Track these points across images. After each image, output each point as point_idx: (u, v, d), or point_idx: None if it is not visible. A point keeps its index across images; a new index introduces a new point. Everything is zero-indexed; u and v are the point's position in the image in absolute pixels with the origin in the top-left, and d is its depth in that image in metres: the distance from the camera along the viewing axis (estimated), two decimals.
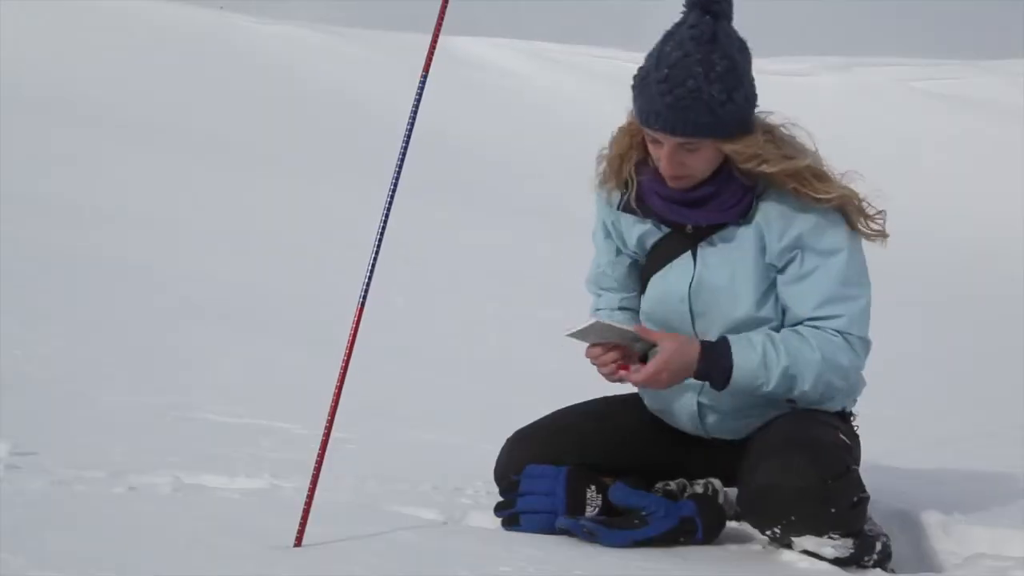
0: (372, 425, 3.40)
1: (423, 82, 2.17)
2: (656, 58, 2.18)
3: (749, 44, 2.23)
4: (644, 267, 2.40)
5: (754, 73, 2.23)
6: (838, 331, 2.23)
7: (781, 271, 2.25)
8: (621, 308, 2.45)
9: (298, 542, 2.03)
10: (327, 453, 2.11)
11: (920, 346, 5.98)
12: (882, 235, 2.28)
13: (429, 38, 2.19)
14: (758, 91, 2.23)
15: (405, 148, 2.17)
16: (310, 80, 12.35)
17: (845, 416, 2.40)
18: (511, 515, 2.34)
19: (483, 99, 12.28)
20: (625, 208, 2.34)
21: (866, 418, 2.47)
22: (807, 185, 2.20)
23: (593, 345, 2.26)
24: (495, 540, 2.24)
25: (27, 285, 4.80)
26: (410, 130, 2.17)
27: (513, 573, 1.96)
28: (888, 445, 2.77)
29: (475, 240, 7.72)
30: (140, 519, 2.15)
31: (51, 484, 2.34)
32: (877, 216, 2.29)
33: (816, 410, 2.33)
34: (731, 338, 2.25)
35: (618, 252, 2.42)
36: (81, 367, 3.81)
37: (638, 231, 2.36)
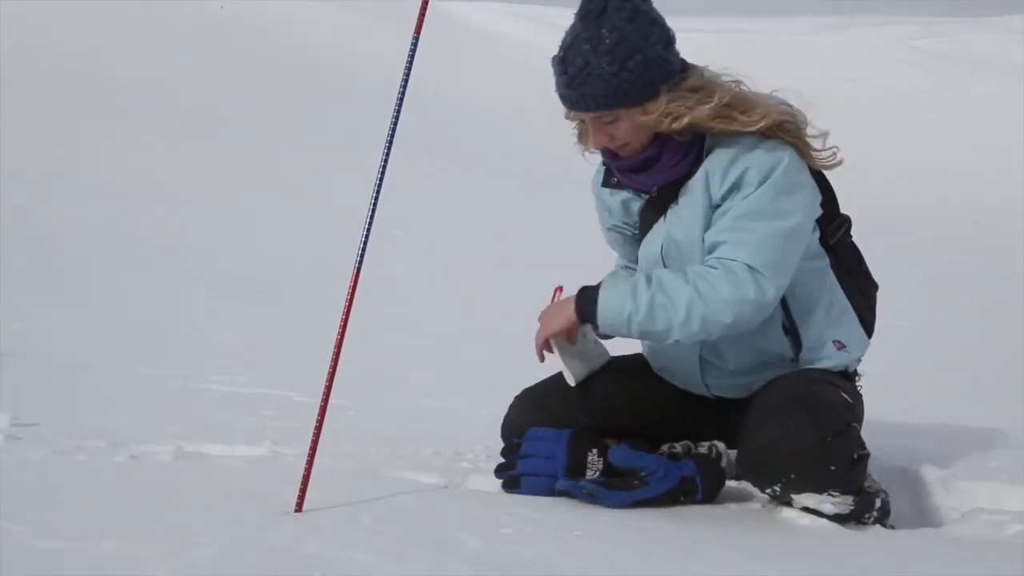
0: (371, 392, 3.41)
1: (415, 44, 2.15)
2: (560, 42, 2.24)
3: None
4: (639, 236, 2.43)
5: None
6: (719, 259, 2.21)
7: (718, 206, 2.26)
8: (626, 267, 2.54)
9: (299, 508, 2.04)
10: (327, 420, 2.12)
11: (919, 304, 5.98)
12: (832, 159, 2.27)
13: (427, 7, 2.18)
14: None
15: (398, 111, 2.16)
16: (308, 47, 12.28)
17: (848, 375, 2.41)
18: (511, 478, 2.35)
19: (482, 65, 12.20)
20: (605, 184, 2.41)
21: (866, 376, 2.47)
22: (731, 120, 2.21)
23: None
24: (495, 503, 2.25)
25: (26, 259, 4.80)
26: (403, 93, 2.16)
27: (513, 535, 1.97)
28: (887, 403, 2.78)
29: (474, 206, 7.70)
30: (141, 488, 2.16)
31: (52, 454, 2.35)
32: (818, 138, 2.27)
33: (818, 369, 2.34)
34: (608, 276, 2.30)
35: (609, 228, 2.49)
36: (81, 339, 3.82)
37: (620, 198, 2.41)
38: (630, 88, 2.18)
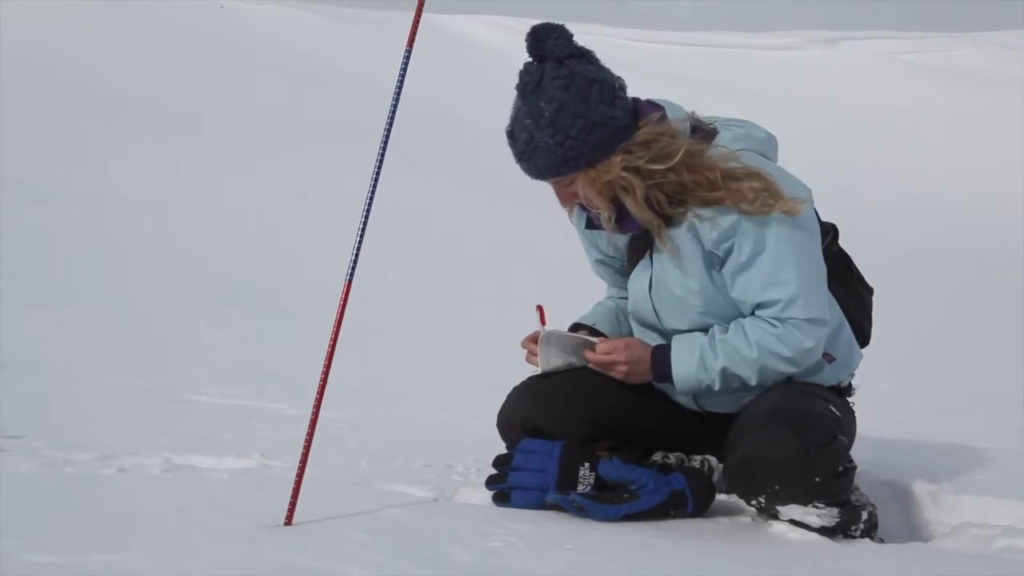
0: (363, 403, 3.40)
1: (407, 56, 2.16)
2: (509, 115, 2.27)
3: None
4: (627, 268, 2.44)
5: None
6: (777, 319, 2.25)
7: (723, 262, 2.27)
8: (615, 297, 2.55)
9: (288, 520, 2.03)
10: (317, 432, 2.12)
11: (908, 317, 6.00)
12: (796, 203, 2.23)
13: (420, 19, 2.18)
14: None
15: (390, 123, 2.17)
16: (299, 59, 12.30)
17: (841, 390, 2.42)
18: (502, 491, 2.35)
19: (475, 77, 12.24)
20: (588, 227, 2.43)
21: (859, 390, 2.48)
22: (689, 192, 2.21)
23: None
24: (486, 516, 2.25)
25: (16, 268, 4.79)
26: (395, 104, 2.16)
27: (504, 548, 1.97)
28: (878, 417, 2.79)
29: (466, 216, 7.71)
30: (130, 500, 2.15)
31: (40, 467, 2.34)
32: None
33: (809, 383, 2.35)
34: (675, 342, 2.32)
35: (596, 261, 2.51)
36: (70, 350, 3.80)
37: (607, 234, 2.41)
38: (577, 154, 2.19)
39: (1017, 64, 13.84)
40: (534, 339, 2.41)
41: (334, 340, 2.11)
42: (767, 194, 2.21)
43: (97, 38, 10.95)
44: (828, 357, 2.37)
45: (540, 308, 2.41)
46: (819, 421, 2.24)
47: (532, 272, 6.04)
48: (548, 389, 2.40)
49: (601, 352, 2.35)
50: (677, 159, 2.18)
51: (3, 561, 1.71)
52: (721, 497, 2.41)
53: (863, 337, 2.50)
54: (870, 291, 2.52)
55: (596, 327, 2.48)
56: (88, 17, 11.31)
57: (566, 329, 2.46)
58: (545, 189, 2.42)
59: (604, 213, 2.25)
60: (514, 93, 2.24)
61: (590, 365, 2.38)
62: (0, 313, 3.98)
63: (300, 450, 2.10)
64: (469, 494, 2.42)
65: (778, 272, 2.23)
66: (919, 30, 15.33)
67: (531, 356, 2.43)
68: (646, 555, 2.05)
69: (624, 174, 2.19)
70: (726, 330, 2.30)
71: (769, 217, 2.22)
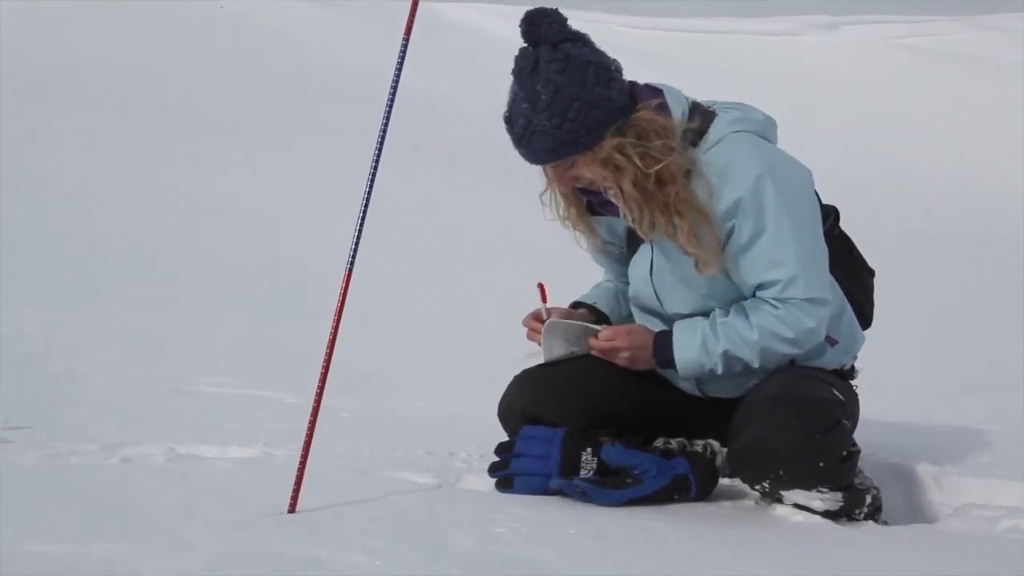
0: (365, 392, 3.41)
1: (404, 45, 2.15)
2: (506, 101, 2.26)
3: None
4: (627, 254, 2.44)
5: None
6: (778, 299, 2.25)
7: (724, 244, 2.27)
8: (614, 280, 2.55)
9: (292, 509, 2.04)
10: (320, 421, 2.12)
11: (911, 301, 5.99)
12: (716, 262, 2.26)
13: (418, 8, 2.18)
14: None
15: (389, 112, 2.16)
16: (298, 51, 12.28)
17: (843, 373, 2.42)
18: (505, 477, 2.35)
19: (473, 65, 12.21)
20: (589, 211, 2.42)
21: (860, 372, 2.48)
22: (650, 196, 2.20)
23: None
24: (489, 503, 2.25)
25: (17, 262, 4.79)
26: (393, 94, 2.16)
27: (507, 534, 1.98)
28: (881, 400, 2.79)
29: (465, 206, 7.70)
30: (134, 490, 2.16)
31: (44, 457, 2.34)
32: None
33: (812, 367, 2.35)
34: (676, 327, 2.32)
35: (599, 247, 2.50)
36: (72, 342, 3.80)
37: (604, 221, 2.42)
38: (575, 137, 2.19)
39: (1017, 48, 13.83)
40: (535, 316, 2.41)
41: (335, 329, 2.11)
42: (694, 237, 2.21)
43: (97, 36, 10.94)
44: (831, 340, 2.37)
45: (541, 286, 2.41)
46: (823, 406, 2.24)
47: (532, 263, 6.03)
48: (547, 378, 2.41)
49: (604, 339, 2.35)
50: (654, 169, 2.18)
51: (7, 551, 1.71)
52: (724, 481, 2.41)
53: (865, 319, 2.50)
54: (871, 273, 2.52)
55: (597, 306, 2.48)
56: (88, 16, 11.30)
57: (567, 307, 2.46)
58: (542, 178, 2.41)
59: (613, 189, 2.23)
60: (510, 79, 2.24)
61: (593, 352, 2.38)
62: (2, 309, 3.98)
63: (303, 439, 2.10)
64: (472, 481, 2.43)
65: (778, 252, 2.23)
66: (919, 14, 15.30)
67: (532, 333, 2.43)
68: (650, 539, 2.06)
69: (617, 155, 2.19)
70: (727, 313, 2.29)
71: (768, 199, 2.22)
